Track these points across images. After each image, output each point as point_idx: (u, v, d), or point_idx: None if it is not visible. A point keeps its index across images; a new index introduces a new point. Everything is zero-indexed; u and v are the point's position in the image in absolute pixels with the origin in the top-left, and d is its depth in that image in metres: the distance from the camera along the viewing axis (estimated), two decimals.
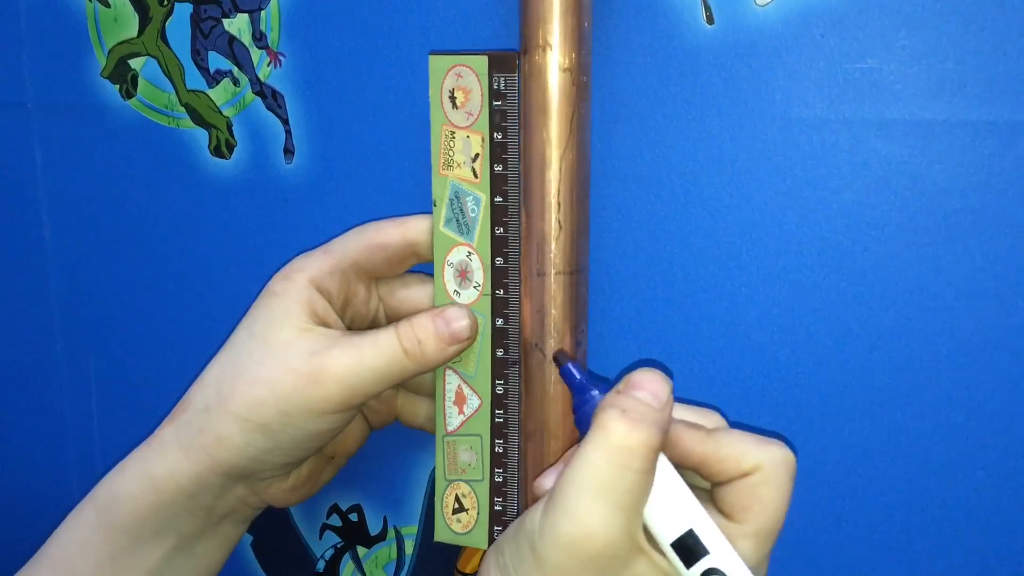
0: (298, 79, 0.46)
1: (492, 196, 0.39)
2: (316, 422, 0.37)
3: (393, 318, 0.42)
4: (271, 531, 0.53)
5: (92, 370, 0.54)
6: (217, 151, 0.48)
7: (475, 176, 0.40)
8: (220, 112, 0.48)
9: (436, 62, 0.40)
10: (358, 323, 0.43)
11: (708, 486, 0.33)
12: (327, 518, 0.52)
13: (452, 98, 0.40)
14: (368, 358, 0.37)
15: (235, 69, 0.47)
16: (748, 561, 0.30)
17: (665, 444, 0.31)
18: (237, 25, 0.46)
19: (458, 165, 0.40)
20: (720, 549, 0.30)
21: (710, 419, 0.34)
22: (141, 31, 0.48)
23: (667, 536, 0.30)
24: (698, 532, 0.30)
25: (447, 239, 0.41)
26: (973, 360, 0.41)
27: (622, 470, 0.29)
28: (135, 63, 0.49)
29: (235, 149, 0.48)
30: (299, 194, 0.48)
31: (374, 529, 0.51)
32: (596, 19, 0.40)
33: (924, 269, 0.40)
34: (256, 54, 0.46)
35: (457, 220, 0.40)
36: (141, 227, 0.51)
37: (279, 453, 0.38)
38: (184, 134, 0.49)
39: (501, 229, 0.39)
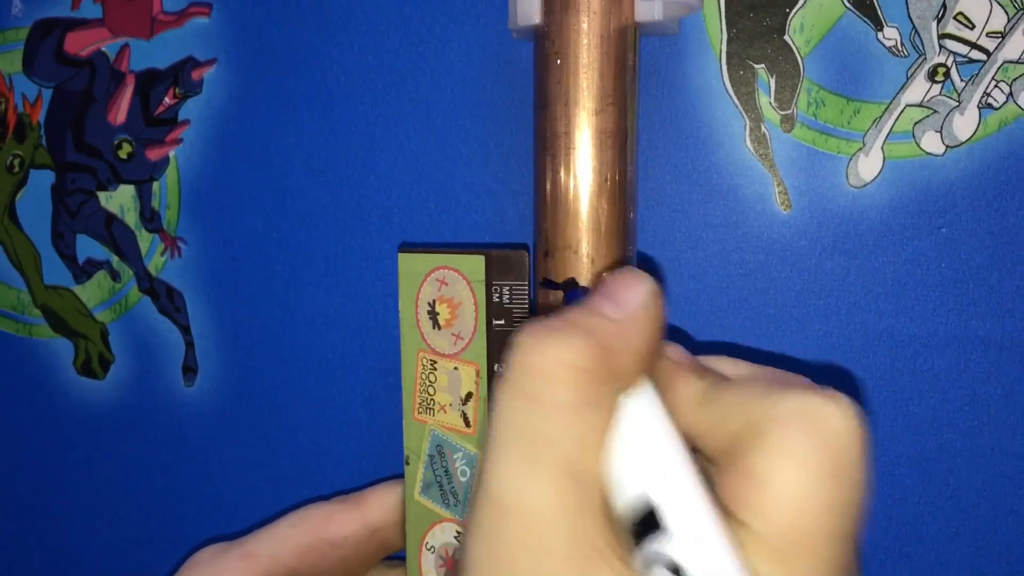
0: (204, 273, 0.39)
1: None
2: None
3: None
4: None
5: None
6: (86, 368, 0.41)
7: (467, 424, 0.31)
8: (92, 316, 0.41)
9: (408, 262, 0.31)
10: None
11: None
12: None
13: (432, 314, 0.31)
14: None
15: (114, 259, 0.40)
16: None
17: (645, 376, 0.23)
18: (119, 200, 0.39)
19: (441, 408, 0.32)
20: (686, 529, 0.21)
21: (738, 368, 0.25)
22: None
23: (623, 503, 0.22)
24: (655, 499, 0.21)
25: (426, 512, 0.32)
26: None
27: (532, 404, 0.21)
28: None
29: (112, 367, 0.41)
30: (202, 431, 0.40)
31: None
32: (642, 207, 0.32)
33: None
34: (145, 239, 0.40)
35: (440, 485, 0.32)
36: None
37: None
38: (40, 346, 0.42)
39: None
